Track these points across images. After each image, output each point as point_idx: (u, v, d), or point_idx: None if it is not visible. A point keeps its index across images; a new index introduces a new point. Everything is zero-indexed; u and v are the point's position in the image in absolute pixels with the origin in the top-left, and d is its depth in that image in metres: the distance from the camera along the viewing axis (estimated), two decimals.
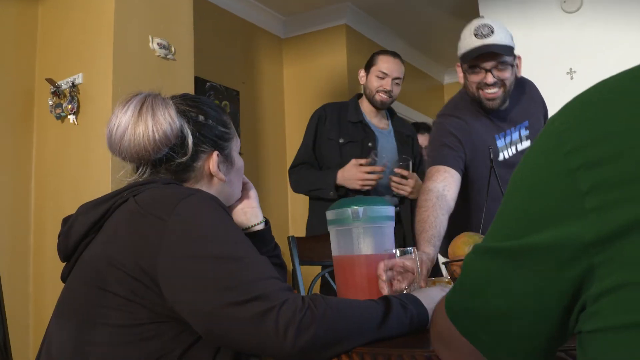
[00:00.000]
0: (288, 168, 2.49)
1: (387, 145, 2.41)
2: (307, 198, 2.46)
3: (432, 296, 0.90)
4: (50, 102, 2.34)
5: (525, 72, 1.78)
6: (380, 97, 2.36)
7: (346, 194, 2.25)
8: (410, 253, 1.11)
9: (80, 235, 0.91)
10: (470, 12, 3.94)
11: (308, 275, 2.14)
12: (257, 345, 0.75)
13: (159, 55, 2.35)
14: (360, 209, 1.14)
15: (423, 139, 2.98)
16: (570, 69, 3.23)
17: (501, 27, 1.63)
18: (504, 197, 0.52)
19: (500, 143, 1.77)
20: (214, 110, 1.04)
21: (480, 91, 1.68)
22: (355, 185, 2.21)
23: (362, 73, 2.45)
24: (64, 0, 2.44)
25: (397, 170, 2.23)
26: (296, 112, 4.01)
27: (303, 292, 1.78)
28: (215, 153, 1.02)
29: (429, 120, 4.44)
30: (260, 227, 1.14)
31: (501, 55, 1.61)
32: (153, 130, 0.94)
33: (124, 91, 2.15)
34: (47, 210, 2.36)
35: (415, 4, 4.09)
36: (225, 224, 0.86)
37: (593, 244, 0.43)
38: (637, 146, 0.42)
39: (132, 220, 0.86)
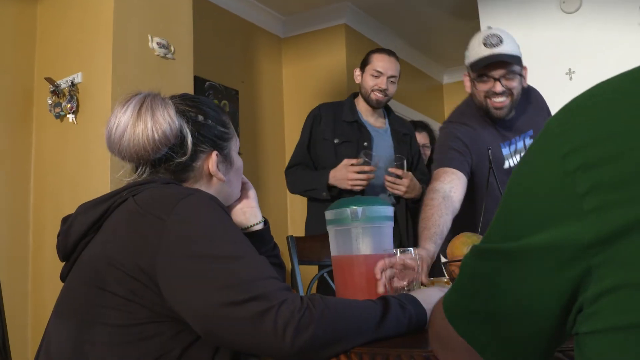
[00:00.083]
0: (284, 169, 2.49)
1: (383, 144, 2.39)
2: (306, 198, 2.46)
3: (430, 296, 0.90)
4: (50, 101, 2.34)
5: None
6: (376, 96, 2.35)
7: (339, 195, 2.23)
8: (411, 253, 1.11)
9: (80, 235, 0.91)
10: (470, 12, 3.94)
11: (307, 275, 2.15)
12: (255, 345, 0.75)
13: (158, 55, 2.35)
14: (359, 209, 1.14)
15: (421, 137, 2.96)
16: (570, 70, 3.24)
17: (509, 37, 1.66)
18: (502, 198, 0.52)
19: (505, 151, 1.80)
20: (213, 110, 1.05)
21: (488, 100, 1.70)
22: (346, 185, 2.19)
23: (357, 72, 2.43)
24: None
25: (391, 169, 2.20)
26: (295, 112, 4.01)
27: (302, 292, 1.78)
28: (214, 153, 1.02)
29: (428, 120, 4.44)
30: (259, 227, 1.14)
31: (510, 64, 1.64)
32: (152, 130, 0.94)
33: (123, 90, 2.15)
34: (46, 210, 2.36)
35: (415, 4, 4.09)
36: (224, 223, 0.86)
37: (592, 245, 0.43)
38: (636, 147, 0.42)
39: (131, 220, 0.86)
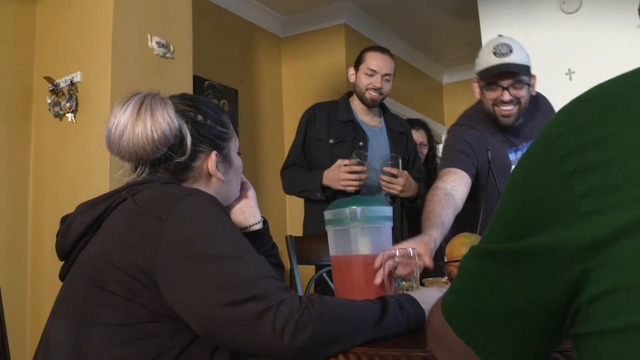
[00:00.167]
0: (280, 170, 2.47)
1: (379, 143, 2.37)
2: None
3: (429, 296, 0.90)
4: (49, 101, 2.34)
5: None
6: (371, 94, 2.32)
7: (334, 195, 2.20)
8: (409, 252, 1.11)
9: (79, 235, 0.91)
10: (469, 12, 3.94)
11: (306, 274, 2.15)
12: (254, 344, 0.76)
13: (157, 54, 2.35)
14: (358, 209, 1.14)
15: (418, 135, 2.93)
16: (569, 70, 3.24)
17: (519, 46, 1.69)
18: (500, 199, 0.52)
19: (512, 157, 1.83)
20: (212, 110, 1.05)
21: (496, 107, 1.74)
22: (338, 185, 2.16)
23: (351, 71, 2.40)
24: None
25: (386, 168, 2.18)
26: (295, 112, 4.01)
27: (300, 292, 1.78)
28: (213, 153, 1.02)
29: (428, 120, 4.43)
30: (259, 226, 1.14)
31: (518, 74, 1.67)
32: (152, 130, 0.94)
33: (122, 90, 2.15)
34: (44, 209, 2.36)
35: (414, 4, 4.09)
36: (224, 223, 0.87)
37: (588, 247, 0.43)
38: (632, 151, 0.42)
39: (130, 220, 0.86)
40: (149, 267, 0.81)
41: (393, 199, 2.30)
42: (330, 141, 2.33)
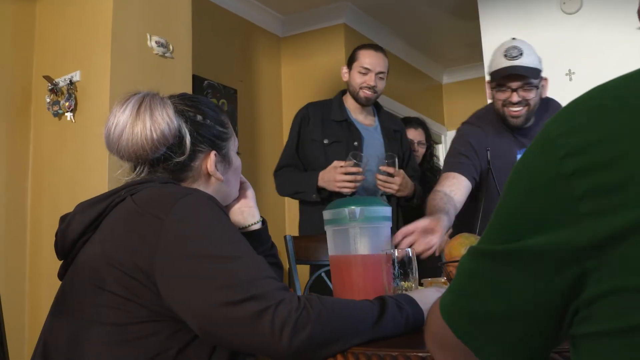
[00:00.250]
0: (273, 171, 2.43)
1: (373, 142, 2.35)
2: None
3: (427, 296, 0.90)
4: (48, 100, 2.34)
5: None
6: (365, 93, 2.29)
7: (330, 197, 2.17)
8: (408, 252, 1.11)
9: (78, 234, 0.91)
10: (470, 12, 3.94)
11: (304, 274, 2.14)
12: (253, 344, 0.76)
13: (157, 54, 2.34)
14: (357, 209, 1.14)
15: (415, 134, 2.89)
16: (569, 70, 3.24)
17: (531, 50, 1.73)
18: (500, 199, 0.52)
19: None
20: (212, 110, 1.04)
21: (505, 108, 1.80)
22: (334, 187, 2.13)
23: (344, 70, 2.37)
24: None
25: (382, 168, 2.16)
26: (294, 111, 3.96)
27: (299, 292, 1.78)
28: (212, 153, 1.02)
29: (427, 120, 4.43)
30: (257, 226, 1.14)
31: (527, 77, 1.71)
32: (151, 129, 0.94)
33: (121, 89, 2.15)
34: (43, 208, 2.36)
35: (414, 4, 4.09)
36: (222, 223, 0.87)
37: (587, 248, 0.43)
38: (632, 152, 0.42)
39: (129, 219, 0.86)
40: (148, 266, 0.81)
41: (389, 199, 2.27)
42: (325, 141, 2.30)
